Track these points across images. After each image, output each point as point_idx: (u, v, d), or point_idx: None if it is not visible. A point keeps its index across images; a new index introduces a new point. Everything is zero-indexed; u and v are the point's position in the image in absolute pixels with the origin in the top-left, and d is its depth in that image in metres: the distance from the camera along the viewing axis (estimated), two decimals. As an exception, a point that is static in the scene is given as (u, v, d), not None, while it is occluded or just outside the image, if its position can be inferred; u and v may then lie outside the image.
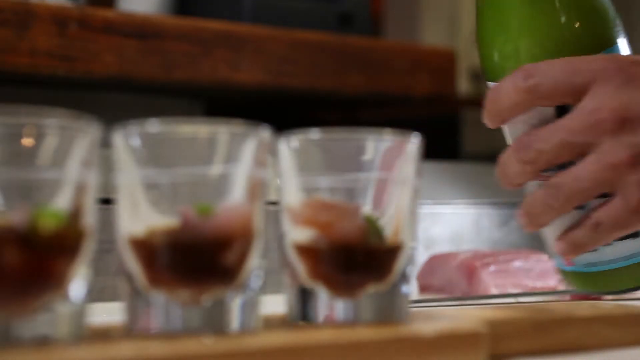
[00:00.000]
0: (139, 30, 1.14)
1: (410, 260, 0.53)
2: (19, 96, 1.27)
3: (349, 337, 0.47)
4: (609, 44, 0.60)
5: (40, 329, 0.43)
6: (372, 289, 0.52)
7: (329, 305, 0.52)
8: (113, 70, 1.15)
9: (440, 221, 1.20)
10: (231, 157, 0.48)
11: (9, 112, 0.43)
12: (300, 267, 0.53)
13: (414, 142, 0.54)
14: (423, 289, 0.94)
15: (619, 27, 0.61)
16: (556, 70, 0.56)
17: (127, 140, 0.48)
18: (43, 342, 0.43)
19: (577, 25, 0.60)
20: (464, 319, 0.53)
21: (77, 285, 0.44)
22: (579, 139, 0.55)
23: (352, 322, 0.51)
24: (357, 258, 0.51)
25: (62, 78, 1.22)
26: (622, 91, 0.55)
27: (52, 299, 0.43)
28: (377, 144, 0.53)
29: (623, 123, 0.55)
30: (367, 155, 0.53)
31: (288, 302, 0.54)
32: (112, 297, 0.58)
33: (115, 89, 1.32)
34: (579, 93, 0.56)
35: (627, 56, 0.59)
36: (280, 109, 1.45)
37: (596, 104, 0.55)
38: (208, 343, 0.44)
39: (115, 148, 0.48)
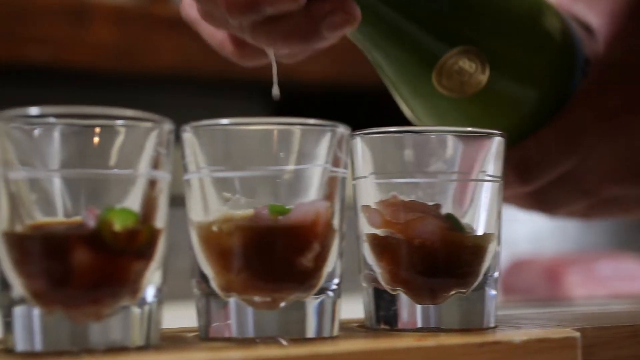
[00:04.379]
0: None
1: (496, 262, 0.51)
2: (78, 93, 1.28)
3: (433, 343, 0.44)
4: None
5: (114, 333, 0.41)
6: (455, 293, 0.49)
7: (410, 310, 0.50)
8: (174, 66, 1.14)
9: (519, 220, 1.17)
10: (307, 155, 0.46)
11: (78, 111, 0.42)
12: (379, 270, 0.50)
13: (497, 138, 0.51)
14: (505, 292, 0.91)
15: None
16: None
17: (199, 138, 0.46)
18: (117, 347, 0.41)
19: None
20: (554, 324, 0.50)
21: (151, 288, 0.43)
22: None
23: (435, 328, 0.49)
24: (439, 261, 0.49)
25: (122, 75, 1.22)
26: None
27: (126, 302, 0.42)
28: (458, 139, 0.51)
29: None
30: (448, 152, 0.51)
31: (366, 307, 0.51)
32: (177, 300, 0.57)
33: (176, 85, 1.32)
34: None
35: None
36: (347, 104, 1.42)
37: None
38: (285, 348, 0.42)
39: (186, 146, 0.47)
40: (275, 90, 0.54)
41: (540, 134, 0.61)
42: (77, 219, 0.42)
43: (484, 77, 0.55)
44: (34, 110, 0.42)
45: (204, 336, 0.47)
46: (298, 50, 0.53)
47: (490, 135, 0.51)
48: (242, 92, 1.39)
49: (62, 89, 1.32)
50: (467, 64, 0.55)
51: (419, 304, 0.50)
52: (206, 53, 1.19)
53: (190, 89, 1.37)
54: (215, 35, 0.57)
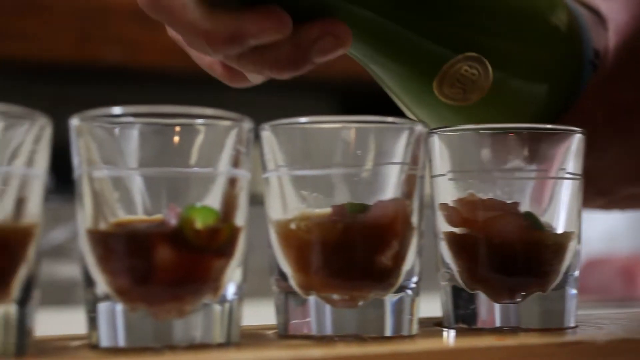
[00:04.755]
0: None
1: (576, 261, 0.50)
2: (150, 93, 1.29)
3: (513, 342, 0.44)
4: None
5: (196, 330, 0.42)
6: (535, 292, 0.49)
7: (488, 309, 0.49)
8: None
9: (593, 219, 1.15)
10: (385, 153, 0.46)
11: (159, 111, 0.43)
12: (457, 268, 0.50)
13: (577, 135, 0.50)
14: (578, 291, 0.89)
15: None
16: None
17: (278, 137, 0.46)
18: (199, 344, 0.42)
19: None
20: (636, 324, 0.49)
21: (231, 286, 0.43)
22: None
23: (514, 327, 0.49)
24: (519, 259, 0.49)
25: (193, 75, 1.23)
26: None
27: (207, 299, 0.42)
28: (536, 136, 0.50)
29: None
30: (525, 149, 0.50)
31: (444, 305, 0.51)
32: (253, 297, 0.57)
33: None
34: None
35: None
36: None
37: None
38: (365, 347, 0.42)
39: (265, 145, 0.47)
40: None
41: None
42: (158, 216, 0.42)
43: (487, 83, 0.52)
44: (116, 109, 0.42)
45: (283, 333, 0.47)
46: (288, 75, 0.51)
47: (570, 133, 0.50)
48: (311, 92, 1.39)
49: (134, 88, 1.33)
50: (468, 72, 0.52)
51: (498, 302, 0.49)
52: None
53: (259, 89, 1.38)
54: (204, 58, 0.54)
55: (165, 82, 1.32)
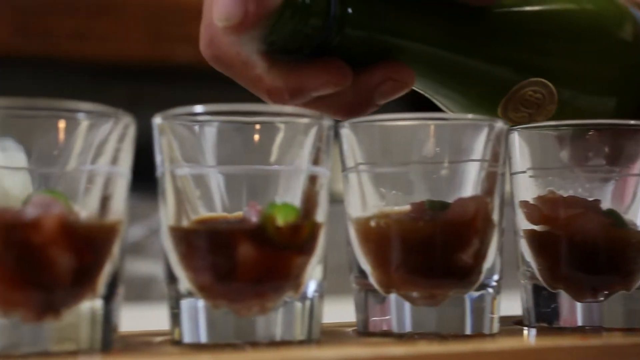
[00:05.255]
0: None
1: (661, 260, 0.49)
2: (222, 92, 1.30)
3: (598, 342, 0.43)
4: None
5: (277, 327, 0.42)
6: (619, 291, 0.48)
7: (570, 307, 0.49)
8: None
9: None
10: (464, 150, 0.46)
11: (239, 109, 0.43)
12: (538, 267, 0.49)
13: (661, 131, 0.49)
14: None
15: None
16: None
17: (357, 134, 0.46)
18: (280, 341, 0.42)
19: None
20: None
21: (312, 283, 0.43)
22: None
23: (597, 326, 0.48)
24: (602, 258, 0.48)
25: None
26: None
27: (289, 297, 0.42)
28: (618, 133, 0.49)
29: None
30: (607, 146, 0.49)
31: (524, 303, 0.51)
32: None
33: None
34: None
35: None
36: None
37: None
38: (446, 345, 0.42)
39: (344, 142, 0.47)
40: None
41: None
42: (238, 214, 0.42)
43: (552, 105, 0.52)
44: (198, 108, 0.43)
45: (362, 331, 0.47)
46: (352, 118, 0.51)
47: (654, 128, 0.49)
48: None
49: (208, 87, 1.34)
50: (532, 96, 0.51)
51: (580, 301, 0.48)
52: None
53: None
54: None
55: (217, 80, 1.33)
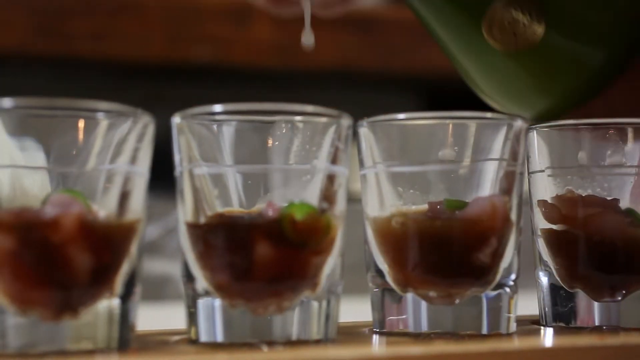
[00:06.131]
0: (360, 22, 1.13)
1: (680, 259, 0.49)
2: (240, 91, 1.30)
3: (616, 342, 0.43)
4: None
5: (294, 326, 0.42)
6: (637, 291, 0.48)
7: (588, 307, 0.48)
8: (333, 63, 1.15)
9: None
10: (483, 149, 0.46)
11: (258, 108, 0.43)
12: (555, 266, 0.49)
13: (681, 130, 0.49)
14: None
15: None
16: None
17: (375, 134, 0.46)
18: (297, 340, 0.42)
19: None
20: None
21: (329, 281, 0.43)
22: None
23: (614, 326, 0.48)
24: (621, 257, 0.48)
25: (283, 72, 1.23)
26: None
27: (306, 296, 0.42)
28: (636, 131, 0.49)
29: None
30: (627, 145, 0.49)
31: (541, 303, 0.50)
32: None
33: (335, 82, 1.33)
34: None
35: None
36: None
37: None
38: (463, 344, 0.42)
39: (362, 141, 0.47)
40: (308, 38, 0.54)
41: (607, 94, 0.53)
42: (258, 213, 0.42)
43: (540, 29, 0.50)
44: (216, 107, 0.43)
45: (379, 330, 0.47)
46: (333, 2, 0.52)
47: (673, 127, 0.49)
48: (399, 88, 1.39)
49: (226, 87, 1.35)
50: (520, 14, 0.50)
51: (598, 301, 0.48)
52: (364, 50, 1.20)
53: (349, 85, 1.38)
54: None
55: (257, 81, 1.33)
